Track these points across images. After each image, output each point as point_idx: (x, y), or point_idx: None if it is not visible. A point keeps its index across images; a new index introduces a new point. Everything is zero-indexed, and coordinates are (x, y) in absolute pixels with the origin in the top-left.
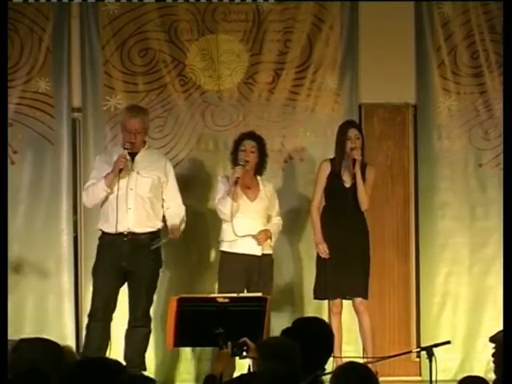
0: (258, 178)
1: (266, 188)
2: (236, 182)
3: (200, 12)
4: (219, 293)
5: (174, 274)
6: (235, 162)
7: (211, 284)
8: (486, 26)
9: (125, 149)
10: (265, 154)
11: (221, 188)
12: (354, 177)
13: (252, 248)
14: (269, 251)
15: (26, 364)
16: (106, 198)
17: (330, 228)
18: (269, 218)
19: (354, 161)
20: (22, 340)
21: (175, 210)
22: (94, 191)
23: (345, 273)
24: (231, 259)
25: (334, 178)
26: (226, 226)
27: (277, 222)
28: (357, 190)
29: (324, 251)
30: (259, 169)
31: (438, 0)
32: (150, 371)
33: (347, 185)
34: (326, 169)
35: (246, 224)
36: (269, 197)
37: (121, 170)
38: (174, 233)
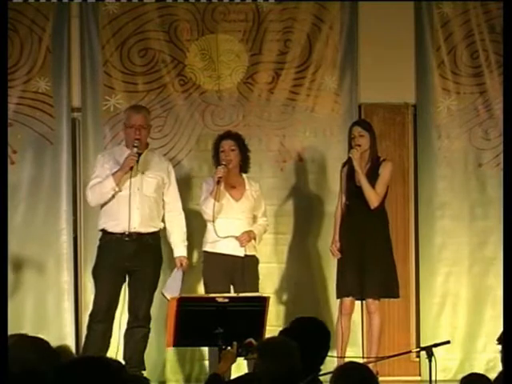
0: (245, 177)
1: (253, 188)
2: (218, 182)
3: (200, 12)
4: (206, 293)
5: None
6: (218, 164)
7: None
8: (485, 26)
9: (134, 147)
10: (246, 151)
11: (205, 189)
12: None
13: (234, 249)
14: (252, 252)
15: (20, 364)
16: (111, 197)
17: (345, 228)
18: (254, 219)
19: (350, 159)
20: (16, 339)
21: (177, 222)
22: (101, 190)
23: (358, 272)
24: (214, 259)
25: (349, 178)
26: (209, 227)
27: (262, 223)
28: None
29: (334, 252)
30: (243, 166)
31: (437, 0)
32: (150, 371)
33: (358, 184)
34: (343, 171)
35: (230, 224)
36: (255, 197)
37: (131, 168)
38: (184, 264)
